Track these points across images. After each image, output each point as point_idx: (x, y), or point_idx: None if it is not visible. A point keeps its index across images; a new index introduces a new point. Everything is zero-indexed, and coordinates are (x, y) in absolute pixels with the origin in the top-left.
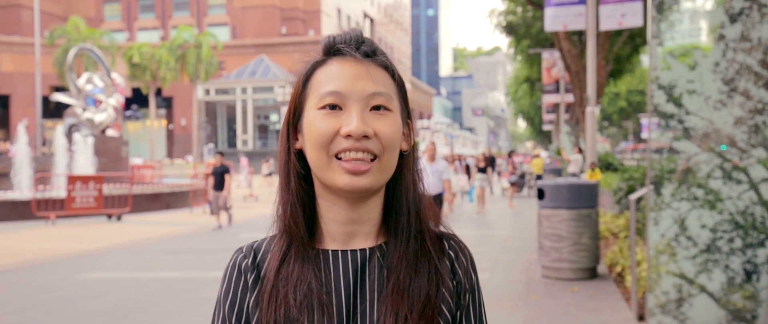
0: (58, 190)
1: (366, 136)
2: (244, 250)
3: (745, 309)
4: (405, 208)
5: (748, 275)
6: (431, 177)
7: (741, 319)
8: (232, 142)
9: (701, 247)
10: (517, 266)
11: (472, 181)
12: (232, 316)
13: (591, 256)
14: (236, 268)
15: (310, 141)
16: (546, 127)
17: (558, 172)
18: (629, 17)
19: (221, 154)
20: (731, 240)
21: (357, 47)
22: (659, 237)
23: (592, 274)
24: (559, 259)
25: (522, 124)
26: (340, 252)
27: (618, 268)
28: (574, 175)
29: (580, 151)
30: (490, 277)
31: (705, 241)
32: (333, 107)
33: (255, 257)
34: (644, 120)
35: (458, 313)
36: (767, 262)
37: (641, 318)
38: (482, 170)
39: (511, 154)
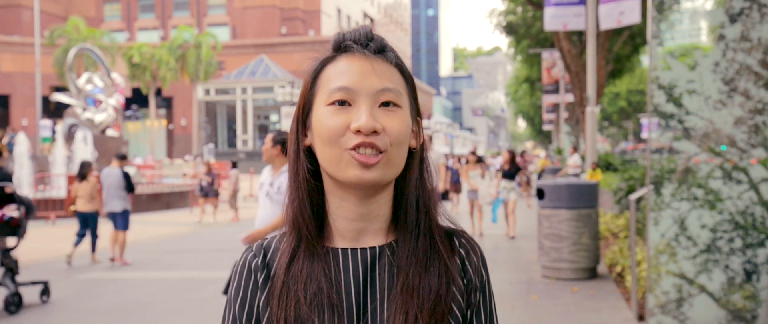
0: (58, 190)
1: (375, 132)
2: (253, 249)
3: (745, 309)
4: (414, 205)
5: (748, 275)
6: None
7: (741, 319)
8: (232, 142)
9: (701, 247)
10: (517, 266)
11: (496, 192)
12: (242, 316)
13: (591, 256)
14: (246, 266)
15: (320, 136)
16: (546, 127)
17: (558, 172)
18: (627, 14)
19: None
20: (731, 240)
21: (366, 44)
22: (659, 237)
23: (592, 274)
24: (559, 259)
25: (522, 124)
26: (349, 250)
27: (618, 268)
28: (574, 175)
29: (575, 150)
30: (491, 277)
31: (705, 241)
32: (342, 103)
33: (265, 256)
34: (644, 120)
35: (469, 311)
36: (767, 262)
37: (641, 318)
38: (509, 175)
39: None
